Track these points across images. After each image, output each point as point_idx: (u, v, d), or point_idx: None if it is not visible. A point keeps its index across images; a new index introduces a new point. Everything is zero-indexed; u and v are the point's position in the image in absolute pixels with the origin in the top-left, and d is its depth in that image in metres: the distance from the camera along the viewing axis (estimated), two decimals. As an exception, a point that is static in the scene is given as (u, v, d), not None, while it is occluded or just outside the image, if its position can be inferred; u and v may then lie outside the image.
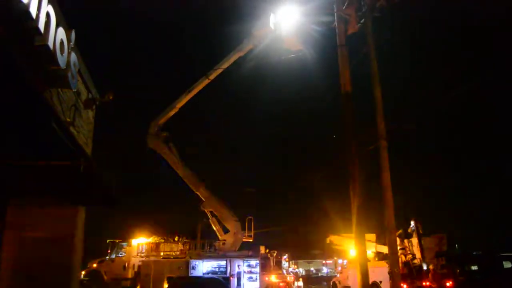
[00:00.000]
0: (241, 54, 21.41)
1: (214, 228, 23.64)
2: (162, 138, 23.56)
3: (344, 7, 12.72)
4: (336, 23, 12.71)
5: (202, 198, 23.45)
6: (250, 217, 23.42)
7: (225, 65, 21.91)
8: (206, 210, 23.50)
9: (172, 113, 23.59)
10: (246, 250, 22.46)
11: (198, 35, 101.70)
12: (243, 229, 23.09)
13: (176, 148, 23.93)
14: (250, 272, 21.42)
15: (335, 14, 12.71)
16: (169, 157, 23.56)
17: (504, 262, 18.06)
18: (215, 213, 23.36)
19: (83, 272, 23.48)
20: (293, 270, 38.23)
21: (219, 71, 22.11)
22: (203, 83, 22.47)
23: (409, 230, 19.61)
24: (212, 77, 22.27)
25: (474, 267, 18.04)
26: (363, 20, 12.82)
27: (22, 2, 5.44)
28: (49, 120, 5.15)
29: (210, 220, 23.66)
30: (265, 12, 18.42)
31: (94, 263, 25.94)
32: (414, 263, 18.95)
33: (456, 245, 22.04)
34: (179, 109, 23.48)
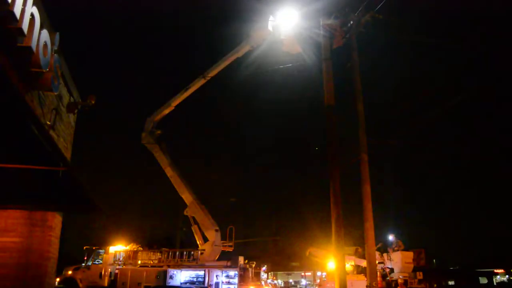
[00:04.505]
0: (238, 55, 21.35)
1: (195, 236, 23.48)
2: (155, 136, 23.57)
3: (329, 22, 12.87)
4: (321, 37, 12.85)
5: (186, 202, 23.38)
6: (231, 226, 23.33)
7: (222, 65, 21.92)
8: (189, 216, 23.42)
9: (167, 111, 23.67)
10: (225, 260, 22.29)
11: (197, 35, 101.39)
12: (224, 238, 22.94)
13: (168, 148, 23.93)
14: (229, 282, 21.24)
15: (321, 28, 12.84)
16: (159, 156, 23.53)
17: (480, 278, 18.37)
18: (196, 219, 23.23)
19: (57, 279, 22.94)
20: (271, 282, 38.04)
21: (215, 71, 22.15)
22: (199, 83, 22.53)
23: (391, 250, 19.80)
24: (208, 77, 22.29)
25: (451, 282, 18.31)
26: (348, 35, 13.01)
27: (6, 2, 5.36)
28: (28, 123, 5.07)
29: (192, 227, 23.53)
30: (264, 15, 18.36)
31: (70, 270, 25.34)
32: (392, 277, 19.09)
33: (434, 260, 22.30)
34: (174, 107, 23.50)
